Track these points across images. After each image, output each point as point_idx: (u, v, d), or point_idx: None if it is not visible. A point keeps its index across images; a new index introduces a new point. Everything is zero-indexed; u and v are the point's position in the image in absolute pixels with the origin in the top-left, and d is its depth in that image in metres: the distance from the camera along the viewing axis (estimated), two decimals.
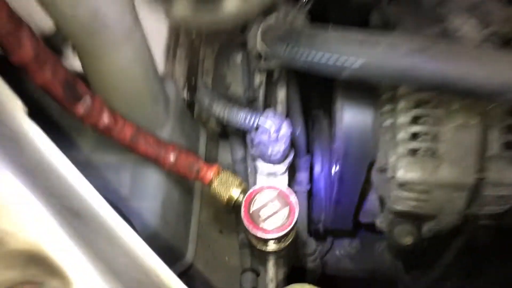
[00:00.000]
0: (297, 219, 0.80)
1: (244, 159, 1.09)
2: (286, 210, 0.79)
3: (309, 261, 1.32)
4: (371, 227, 1.46)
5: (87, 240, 0.40)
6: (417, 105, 0.86)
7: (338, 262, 1.59)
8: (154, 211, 0.90)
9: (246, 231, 0.84)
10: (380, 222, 1.16)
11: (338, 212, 1.29)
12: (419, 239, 1.11)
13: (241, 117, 0.82)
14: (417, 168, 0.87)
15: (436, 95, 0.83)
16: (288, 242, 0.87)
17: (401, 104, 0.87)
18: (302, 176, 1.22)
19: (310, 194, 1.29)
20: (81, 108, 0.73)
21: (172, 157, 0.83)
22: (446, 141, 0.84)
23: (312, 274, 1.37)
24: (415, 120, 0.87)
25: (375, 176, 1.12)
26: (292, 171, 1.18)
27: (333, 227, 1.38)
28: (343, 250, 1.61)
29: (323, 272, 1.44)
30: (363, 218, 1.37)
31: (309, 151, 1.33)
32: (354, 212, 1.30)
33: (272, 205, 0.80)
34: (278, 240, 0.84)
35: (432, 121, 0.85)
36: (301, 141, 1.18)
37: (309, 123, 1.38)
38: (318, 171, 1.32)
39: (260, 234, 0.78)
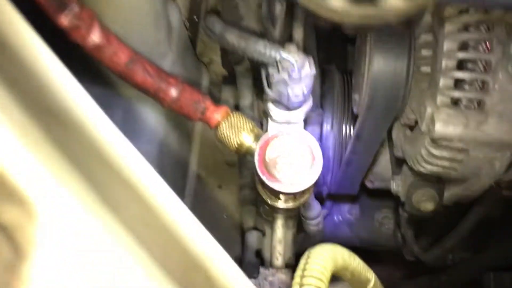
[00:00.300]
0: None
1: (252, 106, 0.95)
2: (308, 160, 0.67)
3: (311, 225, 1.20)
4: (374, 194, 1.37)
5: (67, 153, 0.28)
6: (465, 47, 0.74)
7: (336, 229, 1.49)
8: (148, 156, 0.77)
9: (258, 182, 0.71)
10: (397, 185, 1.05)
11: (347, 174, 1.18)
12: (440, 206, 1.00)
13: (261, 47, 0.68)
14: (458, 121, 0.75)
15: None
16: (303, 199, 0.75)
17: (446, 46, 0.74)
18: (313, 131, 1.10)
19: None
20: (66, 19, 0.59)
21: (174, 92, 0.70)
22: (496, 92, 0.72)
23: (313, 239, 1.27)
24: (461, 65, 0.74)
25: (397, 133, 1.00)
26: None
27: (338, 191, 1.27)
28: (341, 216, 1.51)
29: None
30: (371, 183, 1.26)
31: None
32: (363, 176, 1.19)
33: (292, 154, 0.67)
34: (295, 195, 0.72)
35: (481, 67, 0.73)
36: (315, 91, 1.05)
37: (319, 78, 1.26)
38: (328, 129, 1.20)
39: (277, 187, 0.65)
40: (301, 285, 0.43)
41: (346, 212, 1.50)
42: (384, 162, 1.22)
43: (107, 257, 0.29)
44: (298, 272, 0.45)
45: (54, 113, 0.31)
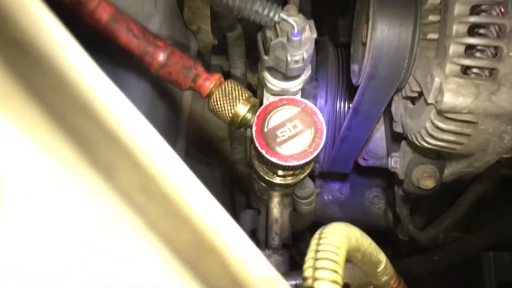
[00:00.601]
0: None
1: (245, 76, 0.89)
2: (310, 132, 0.61)
3: (303, 204, 1.15)
4: (364, 172, 1.33)
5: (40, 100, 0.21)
6: (477, 11, 0.68)
7: (326, 208, 1.45)
8: None
9: (255, 156, 0.65)
10: (395, 162, 1.00)
11: (341, 152, 1.13)
12: (440, 183, 0.96)
13: (259, 7, 0.62)
14: (469, 91, 0.69)
15: None
16: (304, 175, 0.69)
17: (457, 10, 0.68)
18: None
19: None
20: None
21: (162, 56, 0.63)
22: (510, 59, 0.67)
23: (305, 219, 1.22)
24: (472, 30, 0.68)
25: (397, 107, 0.95)
26: None
27: (330, 169, 1.22)
28: (331, 195, 1.47)
29: None
30: (364, 161, 1.22)
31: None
32: (358, 152, 1.15)
33: (293, 125, 0.61)
34: (294, 171, 0.66)
35: (495, 32, 0.67)
36: (312, 62, 0.99)
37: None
38: (322, 103, 1.15)
39: (277, 160, 0.59)
40: (315, 268, 0.38)
41: (336, 191, 1.46)
42: (379, 139, 1.17)
43: (97, 230, 0.24)
44: (311, 254, 0.40)
45: (19, 45, 0.24)
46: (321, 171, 1.25)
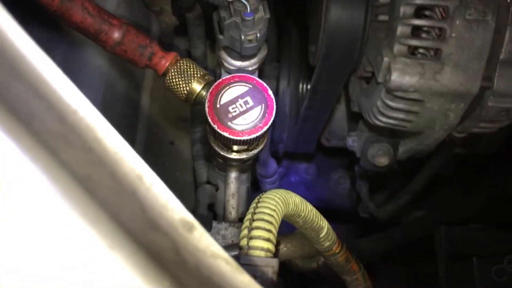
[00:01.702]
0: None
1: (205, 56, 0.91)
2: (261, 108, 0.64)
3: (267, 183, 1.19)
4: (330, 153, 1.36)
5: None
6: None
7: (293, 188, 1.48)
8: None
9: (210, 132, 0.68)
10: (353, 141, 1.04)
11: (304, 131, 1.16)
12: (394, 161, 1.00)
13: None
14: (415, 71, 0.73)
15: None
16: (258, 150, 0.72)
17: None
18: (269, 84, 1.07)
19: None
20: None
21: (117, 34, 0.64)
22: (453, 39, 0.71)
23: None
24: (419, 12, 0.72)
25: (353, 87, 0.98)
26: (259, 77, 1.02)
27: (294, 149, 1.26)
28: (298, 176, 1.51)
29: None
30: (327, 141, 1.26)
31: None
32: (320, 132, 1.18)
33: (244, 101, 0.64)
34: (248, 146, 0.69)
35: (439, 14, 0.71)
36: (271, 43, 1.02)
37: (276, 33, 1.22)
38: (285, 85, 1.17)
39: (228, 135, 0.62)
40: (250, 228, 0.41)
41: (302, 172, 1.49)
42: (340, 119, 1.21)
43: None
44: (248, 216, 0.43)
45: None
46: (286, 151, 1.28)
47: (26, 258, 0.26)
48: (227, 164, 0.77)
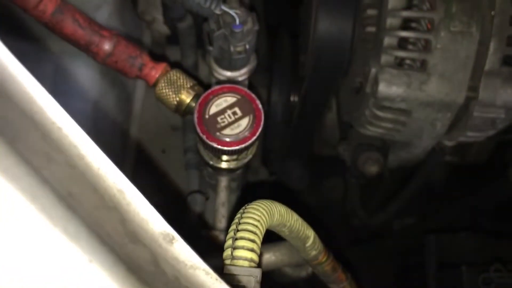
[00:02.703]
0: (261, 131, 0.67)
1: (196, 65, 0.92)
2: (249, 118, 0.65)
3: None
4: (323, 161, 1.37)
5: None
6: (409, 6, 0.73)
7: (285, 197, 1.49)
8: (81, 115, 0.72)
9: (199, 142, 0.69)
10: (343, 149, 1.06)
11: (296, 140, 1.17)
12: (384, 170, 1.01)
13: None
14: (401, 81, 0.74)
15: None
16: (247, 160, 0.73)
17: (390, 4, 0.73)
18: (260, 94, 1.08)
19: (266, 118, 1.15)
20: None
21: (108, 46, 0.65)
22: (439, 51, 0.72)
23: None
24: (405, 24, 0.73)
25: (343, 97, 0.99)
26: (249, 87, 1.03)
27: (287, 157, 1.27)
28: (290, 184, 1.51)
29: None
30: (320, 150, 1.27)
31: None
32: (311, 141, 1.19)
33: (233, 112, 0.65)
34: (237, 155, 0.70)
35: (425, 26, 0.72)
36: (262, 52, 1.03)
37: (267, 41, 1.23)
38: (277, 93, 1.18)
39: (216, 145, 0.63)
40: (235, 238, 0.42)
41: (295, 180, 1.50)
42: (332, 128, 1.22)
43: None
44: (233, 227, 0.43)
45: None
46: (278, 158, 1.29)
47: (5, 274, 0.26)
48: (217, 173, 0.78)
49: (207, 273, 0.27)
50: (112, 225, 0.28)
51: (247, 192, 1.20)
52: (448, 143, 0.95)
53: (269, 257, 0.68)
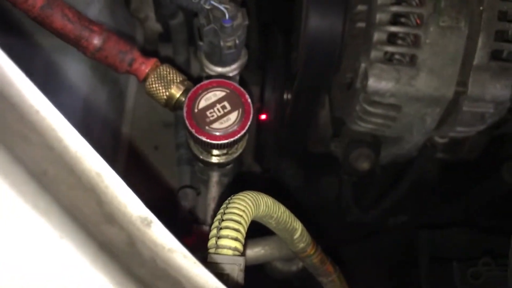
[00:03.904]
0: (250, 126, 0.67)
1: (188, 62, 0.92)
2: (238, 113, 0.65)
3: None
4: (318, 159, 1.38)
5: None
6: (399, 1, 0.73)
7: (279, 194, 1.49)
8: (71, 111, 0.72)
9: (189, 137, 0.69)
10: (335, 146, 1.06)
11: (289, 137, 1.18)
12: (376, 166, 1.02)
13: None
14: (390, 76, 0.75)
15: None
16: (237, 154, 0.73)
17: (380, 0, 0.73)
18: (252, 90, 1.08)
19: (256, 112, 1.15)
20: None
21: (97, 40, 0.65)
22: (428, 46, 0.72)
23: None
24: (395, 19, 0.74)
25: (335, 93, 1.00)
26: (241, 84, 1.04)
27: (281, 154, 1.27)
28: (284, 181, 1.51)
29: None
30: (313, 147, 1.27)
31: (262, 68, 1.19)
32: (305, 138, 1.20)
33: (222, 106, 0.65)
34: (227, 149, 0.70)
35: (414, 21, 0.73)
36: (255, 49, 1.03)
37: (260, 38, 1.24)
38: (270, 90, 1.19)
39: (205, 139, 0.63)
40: (219, 227, 0.42)
41: (289, 177, 1.50)
42: (325, 125, 1.22)
43: None
44: (218, 217, 0.44)
45: None
46: (272, 155, 1.29)
47: None
48: (208, 168, 0.78)
49: (185, 256, 0.27)
50: (88, 205, 0.28)
51: (242, 189, 1.21)
52: (440, 140, 0.95)
53: (259, 251, 0.68)
